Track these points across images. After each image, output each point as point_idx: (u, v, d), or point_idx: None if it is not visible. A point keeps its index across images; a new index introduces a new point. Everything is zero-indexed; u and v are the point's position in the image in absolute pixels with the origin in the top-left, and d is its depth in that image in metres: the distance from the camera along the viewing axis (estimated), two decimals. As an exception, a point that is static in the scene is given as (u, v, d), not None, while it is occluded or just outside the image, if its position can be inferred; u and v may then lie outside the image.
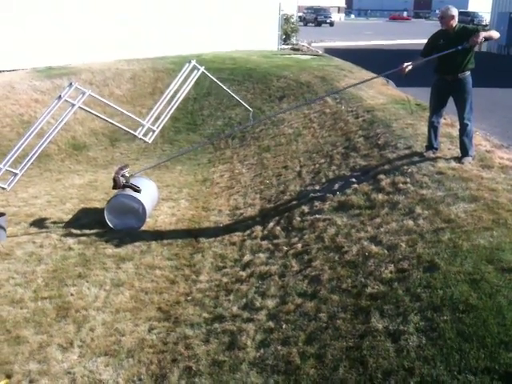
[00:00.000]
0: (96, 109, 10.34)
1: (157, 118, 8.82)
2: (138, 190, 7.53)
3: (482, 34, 5.95)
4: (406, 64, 6.33)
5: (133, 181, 7.74)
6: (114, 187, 7.60)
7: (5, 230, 7.20)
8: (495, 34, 6.11)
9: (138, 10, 16.97)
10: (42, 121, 7.45)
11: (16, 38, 14.17)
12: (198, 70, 9.53)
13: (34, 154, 7.37)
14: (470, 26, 6.50)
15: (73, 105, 7.59)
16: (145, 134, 8.59)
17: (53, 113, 7.59)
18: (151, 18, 17.30)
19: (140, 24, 16.92)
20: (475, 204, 5.29)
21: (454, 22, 6.23)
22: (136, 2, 17.01)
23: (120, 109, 9.05)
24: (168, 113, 8.88)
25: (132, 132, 8.42)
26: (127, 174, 7.69)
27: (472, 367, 3.34)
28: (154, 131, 8.71)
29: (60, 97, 7.50)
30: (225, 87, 10.85)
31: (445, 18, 6.26)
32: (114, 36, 16.23)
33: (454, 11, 6.23)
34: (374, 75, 14.39)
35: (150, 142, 8.78)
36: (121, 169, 7.72)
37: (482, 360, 3.36)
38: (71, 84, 7.67)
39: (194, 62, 9.38)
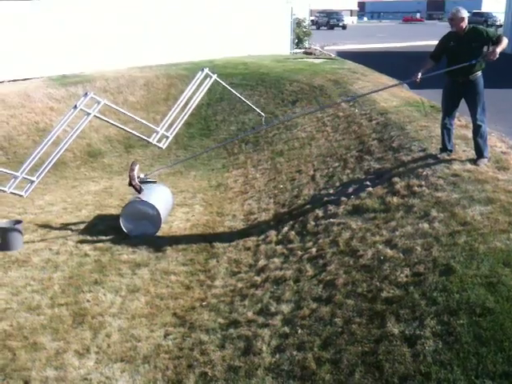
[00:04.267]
0: (111, 116, 10.43)
1: (171, 125, 8.87)
2: (139, 191, 7.70)
3: (498, 50, 5.95)
4: (417, 76, 6.44)
5: (147, 186, 7.87)
6: (130, 183, 7.78)
7: (22, 237, 7.28)
8: (506, 43, 6.07)
9: (150, 18, 17.06)
10: (58, 130, 7.54)
11: (30, 47, 14.32)
12: (211, 77, 9.58)
13: (50, 162, 7.45)
14: (480, 27, 6.44)
15: (88, 113, 7.67)
16: (159, 140, 8.66)
17: (69, 121, 7.68)
18: (163, 24, 17.37)
19: (153, 31, 17.02)
20: (491, 206, 5.24)
21: (464, 24, 6.20)
22: (148, 9, 17.11)
23: (135, 117, 9.11)
24: (182, 119, 8.94)
25: (146, 138, 8.49)
26: (142, 175, 7.84)
27: (489, 372, 3.31)
28: (167, 137, 8.77)
29: (76, 106, 7.59)
30: (237, 93, 10.87)
31: (455, 20, 6.23)
32: (127, 43, 16.33)
33: (464, 13, 6.20)
34: (388, 77, 14.38)
35: (163, 147, 8.85)
36: (133, 164, 7.95)
37: (500, 364, 3.33)
38: (87, 94, 7.76)
39: (206, 70, 9.43)
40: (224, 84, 10.28)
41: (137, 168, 7.86)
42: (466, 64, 6.10)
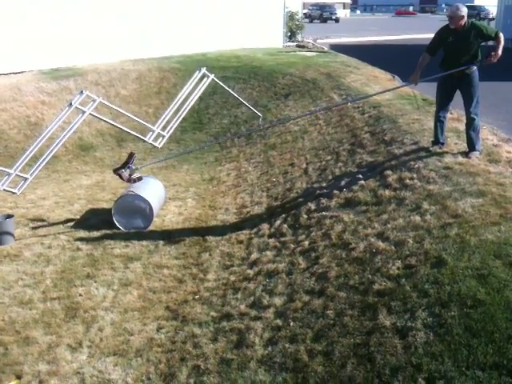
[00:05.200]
0: (103, 110, 10.38)
1: (167, 123, 8.78)
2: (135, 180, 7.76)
3: (500, 52, 6.00)
4: (413, 79, 6.62)
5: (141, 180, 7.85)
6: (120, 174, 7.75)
7: (13, 231, 7.24)
8: (503, 40, 6.13)
9: (142, 10, 16.95)
10: (53, 128, 7.49)
11: (21, 40, 14.20)
12: (208, 77, 9.52)
13: (44, 160, 7.38)
14: (478, 22, 6.44)
15: (83, 111, 7.61)
16: (155, 139, 8.59)
17: (63, 119, 7.62)
18: (155, 17, 17.27)
19: (144, 24, 16.91)
20: (483, 199, 5.26)
21: (464, 21, 6.18)
22: (141, 3, 17.00)
23: (131, 115, 9.01)
24: (177, 119, 8.89)
25: (142, 137, 8.41)
26: (133, 167, 7.80)
27: (480, 363, 3.33)
28: (163, 136, 8.71)
29: (71, 104, 7.52)
30: (235, 94, 10.79)
31: (454, 18, 6.20)
32: (119, 36, 16.22)
33: (464, 11, 6.15)
34: (380, 71, 14.39)
35: (159, 146, 8.78)
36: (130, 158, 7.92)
37: (491, 355, 3.35)
38: (82, 92, 7.70)
39: (204, 70, 9.37)
40: (222, 84, 10.23)
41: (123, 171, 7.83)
42: (465, 67, 6.18)
